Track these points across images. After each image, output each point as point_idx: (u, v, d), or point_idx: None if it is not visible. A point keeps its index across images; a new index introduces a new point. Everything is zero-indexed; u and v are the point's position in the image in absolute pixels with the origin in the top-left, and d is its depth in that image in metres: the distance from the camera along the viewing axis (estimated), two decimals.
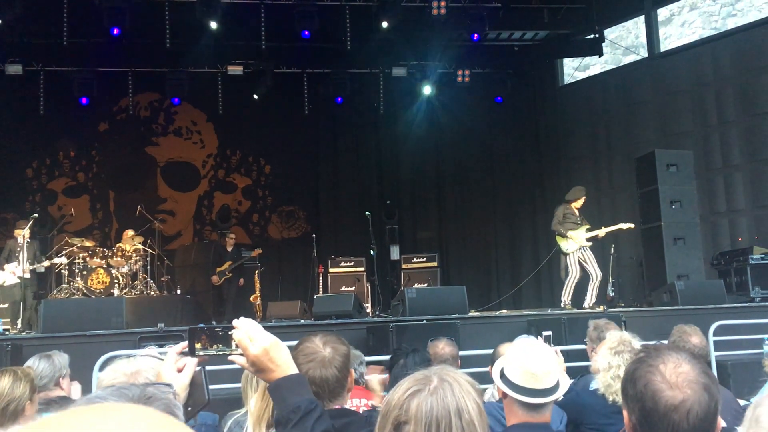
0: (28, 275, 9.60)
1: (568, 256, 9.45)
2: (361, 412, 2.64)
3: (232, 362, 1.73)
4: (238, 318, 1.75)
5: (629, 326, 6.41)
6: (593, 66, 14.53)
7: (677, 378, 1.56)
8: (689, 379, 1.55)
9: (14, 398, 2.79)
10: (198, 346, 1.72)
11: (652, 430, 1.56)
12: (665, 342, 3.76)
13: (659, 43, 13.31)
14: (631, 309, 8.99)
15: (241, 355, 1.72)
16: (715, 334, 6.74)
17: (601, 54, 13.83)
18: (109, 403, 0.57)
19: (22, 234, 9.31)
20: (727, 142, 12.07)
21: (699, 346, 3.87)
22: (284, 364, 1.72)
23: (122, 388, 1.30)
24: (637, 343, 3.39)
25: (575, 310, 8.85)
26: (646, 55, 13.48)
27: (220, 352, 1.72)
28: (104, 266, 10.51)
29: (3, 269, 9.60)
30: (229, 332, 1.71)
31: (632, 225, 9.61)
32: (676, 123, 12.68)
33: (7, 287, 9.55)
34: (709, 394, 1.55)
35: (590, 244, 9.46)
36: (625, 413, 1.65)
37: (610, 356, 3.32)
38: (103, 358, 5.21)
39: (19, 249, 9.63)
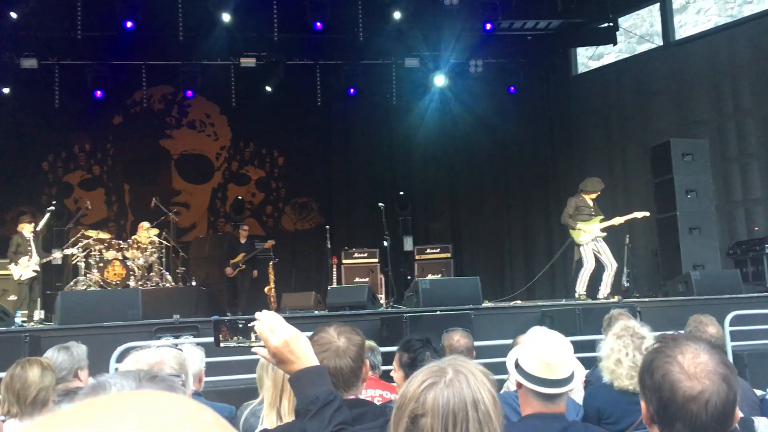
0: (38, 268, 9.77)
1: (582, 248, 9.41)
2: (376, 403, 2.65)
3: (252, 354, 1.77)
4: (252, 310, 1.78)
5: (644, 316, 6.39)
6: (607, 55, 14.42)
7: (695, 368, 1.55)
8: (708, 369, 1.54)
9: (44, 387, 2.85)
10: (221, 336, 1.76)
11: (670, 420, 1.55)
12: (682, 332, 3.74)
13: (674, 31, 13.18)
14: (646, 299, 8.94)
15: (263, 346, 1.74)
16: (731, 324, 6.69)
17: (615, 43, 13.72)
18: (131, 391, 0.57)
19: (42, 225, 9.42)
20: (743, 130, 11.95)
21: (716, 336, 3.84)
22: (304, 356, 1.74)
23: (127, 371, 1.33)
24: (643, 330, 3.38)
25: (590, 301, 8.82)
26: (661, 43, 13.35)
27: (241, 344, 1.76)
28: (120, 258, 10.58)
29: (17, 264, 9.71)
30: (249, 324, 1.74)
31: (647, 213, 9.54)
32: (692, 112, 12.57)
33: (25, 281, 9.69)
34: (727, 384, 1.54)
35: (604, 234, 9.41)
36: (642, 404, 1.64)
37: (613, 342, 3.33)
38: (119, 349, 5.26)
39: (28, 243, 9.78)
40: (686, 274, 8.83)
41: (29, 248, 9.80)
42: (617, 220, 9.43)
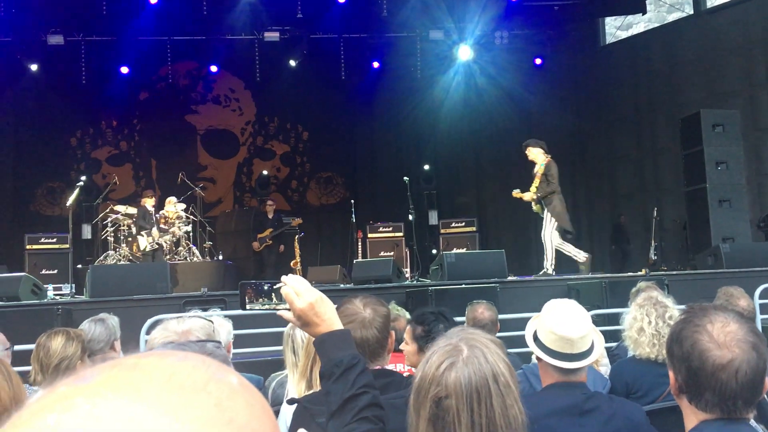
0: (160, 241, 10.31)
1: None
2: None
3: (280, 325, 1.79)
4: (285, 275, 1.80)
5: (672, 289, 6.32)
6: (636, 24, 14.14)
7: (725, 337, 1.53)
8: (737, 338, 1.53)
9: (66, 356, 2.91)
10: (246, 299, 1.80)
11: (699, 389, 1.55)
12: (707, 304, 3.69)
13: (705, 0, 12.87)
14: (674, 272, 8.84)
15: (288, 309, 1.75)
16: (761, 297, 6.60)
17: (644, 12, 13.41)
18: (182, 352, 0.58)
19: (72, 201, 9.64)
20: None
21: (747, 309, 3.80)
22: (329, 320, 1.76)
23: (181, 344, 1.33)
24: (666, 300, 3.35)
25: (618, 275, 8.74)
26: (691, 12, 13.05)
27: (266, 306, 1.79)
28: (136, 233, 10.72)
29: (142, 235, 10.13)
30: (274, 287, 1.77)
31: (534, 197, 8.81)
32: (723, 82, 12.30)
33: (148, 252, 10.19)
34: (757, 353, 1.53)
35: (533, 208, 8.96)
36: (671, 373, 1.63)
37: (635, 311, 3.31)
38: (149, 321, 5.34)
39: (151, 217, 10.35)
40: (715, 247, 8.71)
41: (152, 221, 10.31)
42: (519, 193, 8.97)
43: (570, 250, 8.73)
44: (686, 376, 1.56)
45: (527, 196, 8.76)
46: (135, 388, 0.47)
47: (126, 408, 0.45)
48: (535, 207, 8.80)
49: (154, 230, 10.30)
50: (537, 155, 8.89)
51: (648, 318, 3.21)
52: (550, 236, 8.60)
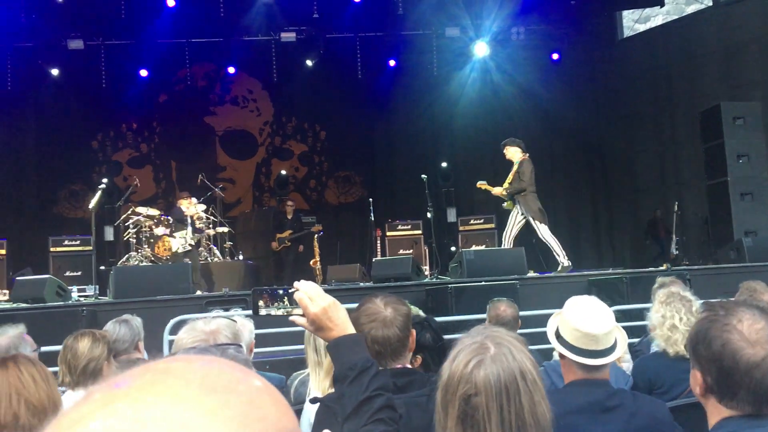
0: (192, 242, 10.28)
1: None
2: None
3: (293, 323, 1.82)
4: (297, 281, 1.82)
5: (694, 284, 6.28)
6: (654, 17, 14.02)
7: (756, 335, 1.54)
8: (767, 334, 1.53)
9: (93, 358, 2.97)
10: (261, 304, 1.82)
11: (732, 388, 1.55)
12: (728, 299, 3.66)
13: None
14: (696, 267, 8.77)
15: (301, 315, 1.78)
16: None
17: (662, 4, 13.29)
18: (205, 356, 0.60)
19: (95, 204, 9.73)
20: None
21: None
22: (342, 324, 1.78)
23: (203, 349, 1.37)
24: (688, 294, 3.33)
25: (638, 270, 8.69)
26: (710, 3, 12.90)
27: (281, 310, 1.82)
28: (169, 234, 10.80)
29: (174, 236, 10.19)
30: (289, 291, 1.80)
31: (503, 193, 8.93)
32: (744, 74, 12.16)
33: (180, 253, 10.17)
34: None
35: (504, 204, 9.06)
36: (697, 374, 1.62)
37: (663, 309, 3.29)
38: (172, 321, 5.40)
39: (186, 218, 10.33)
40: (738, 241, 8.63)
41: (187, 223, 10.33)
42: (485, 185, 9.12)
43: (506, 244, 8.68)
44: (718, 377, 1.56)
45: (496, 191, 8.90)
46: (173, 391, 0.49)
47: (168, 411, 0.47)
48: (506, 203, 8.91)
49: (183, 233, 10.36)
50: (514, 154, 9.04)
51: (678, 315, 3.19)
52: (549, 234, 8.65)
